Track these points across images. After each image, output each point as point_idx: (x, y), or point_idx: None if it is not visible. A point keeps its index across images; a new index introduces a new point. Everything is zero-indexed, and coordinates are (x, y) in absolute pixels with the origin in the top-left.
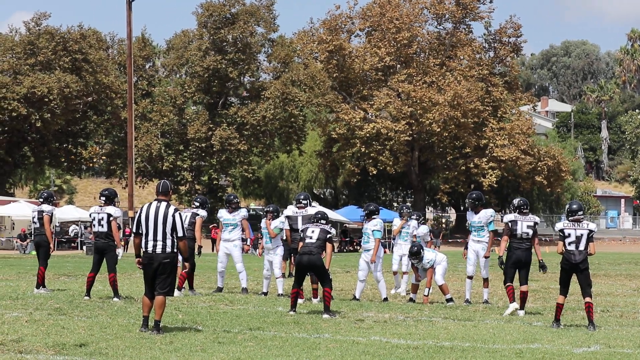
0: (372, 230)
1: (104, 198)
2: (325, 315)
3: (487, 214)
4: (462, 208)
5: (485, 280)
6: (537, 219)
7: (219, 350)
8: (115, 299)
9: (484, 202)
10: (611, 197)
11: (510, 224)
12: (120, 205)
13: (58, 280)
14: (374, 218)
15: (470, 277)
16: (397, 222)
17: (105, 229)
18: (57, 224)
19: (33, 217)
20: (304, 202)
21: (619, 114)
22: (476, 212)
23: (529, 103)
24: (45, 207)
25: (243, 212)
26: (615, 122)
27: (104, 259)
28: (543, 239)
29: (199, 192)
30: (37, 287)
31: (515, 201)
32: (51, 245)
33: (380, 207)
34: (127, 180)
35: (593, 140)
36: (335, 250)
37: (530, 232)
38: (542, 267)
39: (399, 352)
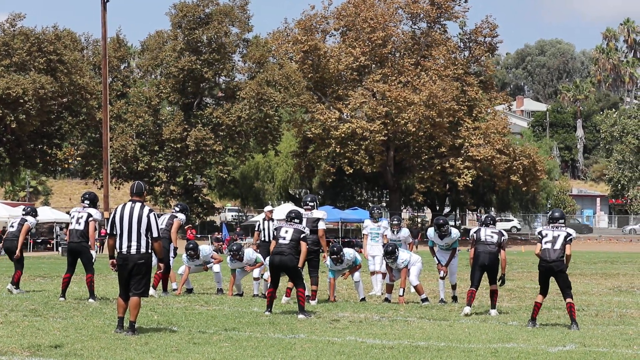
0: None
1: (87, 202)
2: (301, 316)
3: (454, 233)
4: (437, 208)
5: (454, 287)
6: (505, 233)
7: (194, 350)
8: (90, 300)
9: (449, 224)
10: (587, 196)
11: (475, 234)
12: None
13: (33, 282)
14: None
15: (443, 278)
16: (367, 223)
17: (81, 227)
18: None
19: (12, 222)
20: (311, 204)
21: (595, 113)
22: (442, 237)
23: (504, 102)
24: (30, 219)
25: (206, 251)
26: (590, 121)
27: (78, 260)
28: (519, 238)
29: (174, 192)
30: (12, 284)
31: (483, 217)
32: (17, 253)
33: (355, 207)
34: (102, 181)
35: (568, 140)
36: None
37: (495, 236)
38: (502, 281)
39: (374, 352)
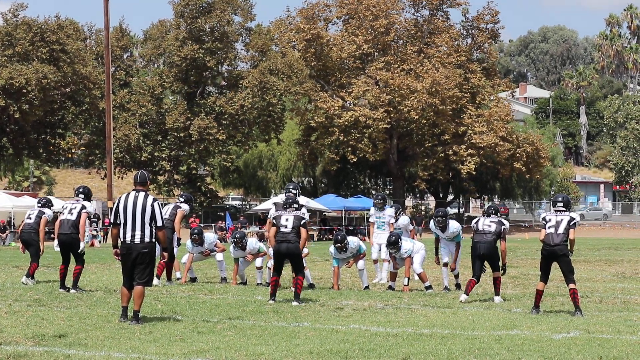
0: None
1: (82, 195)
2: (295, 303)
3: (453, 227)
4: (441, 195)
5: (457, 276)
6: (506, 222)
7: (198, 339)
8: (72, 291)
9: (448, 216)
10: (590, 183)
11: (475, 225)
12: (99, 196)
13: (37, 272)
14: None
15: (446, 264)
16: (372, 211)
17: (74, 217)
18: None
19: (30, 214)
20: (294, 192)
21: (598, 100)
22: (443, 230)
23: (507, 89)
24: (47, 211)
25: (211, 239)
26: (594, 108)
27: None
28: (523, 224)
29: (178, 181)
30: (27, 276)
31: (486, 206)
32: (41, 247)
33: (359, 196)
34: (105, 170)
35: (572, 126)
36: (315, 238)
37: (493, 225)
38: (504, 270)
39: (378, 340)
